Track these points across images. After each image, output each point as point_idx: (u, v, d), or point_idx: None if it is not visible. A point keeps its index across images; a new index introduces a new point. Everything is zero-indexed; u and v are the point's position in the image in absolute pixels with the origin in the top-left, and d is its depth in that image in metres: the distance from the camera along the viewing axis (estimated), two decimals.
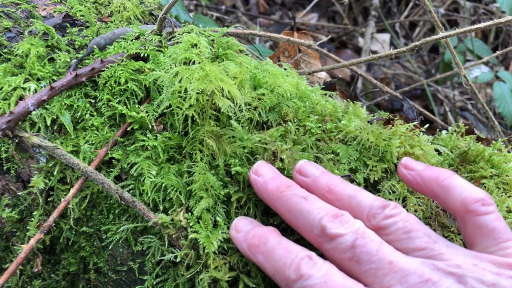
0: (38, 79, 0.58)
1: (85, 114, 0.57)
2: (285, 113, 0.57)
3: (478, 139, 0.66)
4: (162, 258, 0.52)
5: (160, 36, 0.62)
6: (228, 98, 0.54)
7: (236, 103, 0.54)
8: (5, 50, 0.61)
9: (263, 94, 0.57)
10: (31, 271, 0.58)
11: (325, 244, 0.40)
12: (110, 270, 0.56)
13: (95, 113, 0.57)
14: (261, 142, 0.53)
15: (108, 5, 0.72)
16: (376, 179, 0.54)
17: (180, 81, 0.54)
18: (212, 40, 0.61)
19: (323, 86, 0.70)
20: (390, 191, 0.54)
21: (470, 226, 0.42)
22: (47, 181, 0.55)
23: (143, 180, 0.53)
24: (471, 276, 0.36)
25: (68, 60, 0.60)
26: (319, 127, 0.56)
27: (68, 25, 0.66)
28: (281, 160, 0.52)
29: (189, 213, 0.51)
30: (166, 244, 0.51)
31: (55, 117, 0.56)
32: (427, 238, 0.40)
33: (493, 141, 0.61)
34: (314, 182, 0.47)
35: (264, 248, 0.43)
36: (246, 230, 0.46)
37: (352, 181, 0.53)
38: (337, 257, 0.40)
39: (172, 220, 0.51)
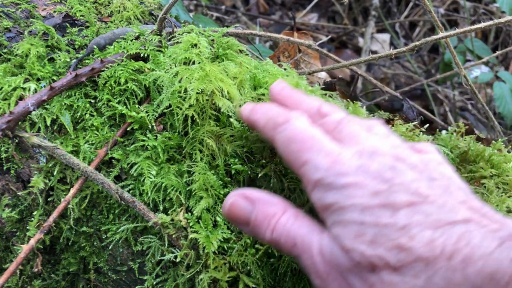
0: (38, 79, 0.58)
1: (85, 114, 0.57)
2: None
3: (478, 139, 0.66)
4: (162, 258, 0.52)
5: (160, 36, 0.63)
6: (227, 99, 0.54)
7: (235, 104, 0.54)
8: (5, 50, 0.61)
9: (263, 94, 0.57)
10: (31, 271, 0.58)
11: (317, 121, 0.45)
12: (110, 270, 0.56)
13: (95, 113, 0.57)
14: (260, 140, 0.53)
15: (108, 5, 0.72)
16: None
17: (180, 81, 0.54)
18: (212, 40, 0.61)
19: (323, 86, 0.70)
20: None
21: None
22: (47, 181, 0.55)
23: (143, 180, 0.53)
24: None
25: (68, 60, 0.60)
26: None
27: (68, 25, 0.66)
28: (280, 157, 0.52)
29: (189, 213, 0.52)
30: (166, 244, 0.51)
31: (55, 117, 0.56)
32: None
33: (493, 141, 0.61)
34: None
35: (264, 109, 0.48)
36: (253, 105, 0.51)
37: None
38: (323, 128, 0.44)
39: (172, 220, 0.51)
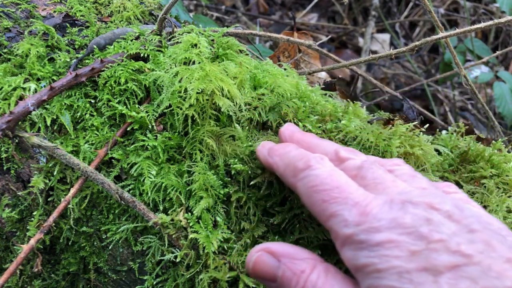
0: (38, 79, 0.58)
1: (85, 114, 0.57)
2: (285, 113, 0.57)
3: (478, 139, 0.66)
4: (162, 258, 0.52)
5: (160, 36, 0.62)
6: (228, 98, 0.54)
7: (236, 103, 0.54)
8: (5, 50, 0.61)
9: (263, 94, 0.57)
10: (31, 271, 0.58)
11: (337, 167, 0.43)
12: (110, 270, 0.56)
13: (95, 113, 0.57)
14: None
15: (108, 5, 0.72)
16: None
17: (180, 81, 0.54)
18: (212, 40, 0.61)
19: (323, 86, 0.70)
20: None
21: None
22: (47, 181, 0.55)
23: (143, 180, 0.53)
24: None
25: (68, 60, 0.60)
26: (319, 127, 0.56)
27: (68, 25, 0.66)
28: None
29: (189, 213, 0.51)
30: (166, 244, 0.51)
31: (55, 117, 0.56)
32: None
33: (493, 141, 0.61)
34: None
35: (283, 151, 0.47)
36: (271, 145, 0.50)
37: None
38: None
39: (172, 220, 0.51)
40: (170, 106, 0.55)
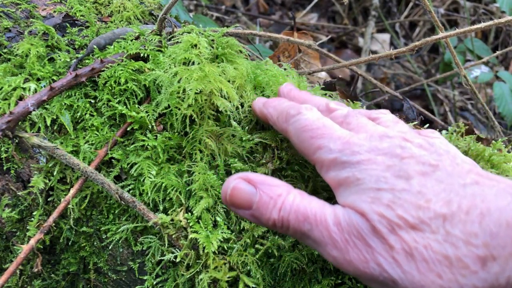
0: (38, 79, 0.58)
1: (85, 114, 0.57)
2: None
3: (478, 139, 0.66)
4: (162, 258, 0.52)
5: (160, 36, 0.63)
6: (226, 99, 0.54)
7: (234, 105, 0.54)
8: (5, 50, 0.61)
9: (263, 94, 0.57)
10: (31, 271, 0.58)
11: (326, 116, 0.47)
12: (110, 270, 0.56)
13: (95, 113, 0.57)
14: (261, 143, 0.53)
15: (108, 5, 0.72)
16: None
17: (179, 81, 0.54)
18: (212, 40, 0.61)
19: (323, 86, 0.70)
20: None
21: None
22: (47, 181, 0.55)
23: (143, 180, 0.53)
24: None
25: (68, 60, 0.60)
26: None
27: (68, 25, 0.66)
28: (280, 158, 0.52)
29: (189, 213, 0.52)
30: (166, 244, 0.51)
31: (55, 117, 0.56)
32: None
33: (493, 141, 0.61)
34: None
35: (277, 102, 0.52)
36: (266, 99, 0.55)
37: None
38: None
39: (172, 220, 0.51)
40: (169, 106, 0.55)
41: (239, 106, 0.55)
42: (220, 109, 0.54)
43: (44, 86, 0.58)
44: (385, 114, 0.48)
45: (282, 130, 0.49)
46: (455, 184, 0.37)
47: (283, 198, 0.42)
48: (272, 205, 0.42)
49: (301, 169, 0.53)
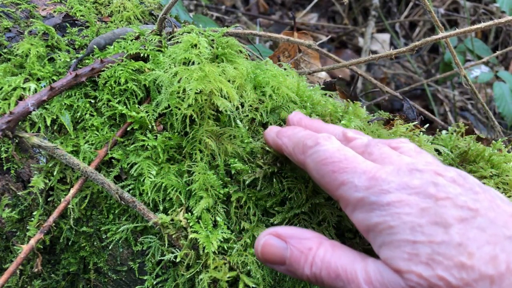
0: (38, 79, 0.58)
1: (85, 114, 0.57)
2: (285, 115, 0.57)
3: (478, 139, 0.66)
4: (162, 258, 0.52)
5: (160, 36, 0.62)
6: (226, 99, 0.54)
7: (234, 105, 0.54)
8: (5, 50, 0.61)
9: (263, 95, 0.57)
10: (31, 271, 0.58)
11: (345, 146, 0.45)
12: (110, 270, 0.56)
13: (95, 113, 0.57)
14: (263, 149, 0.53)
15: (108, 5, 0.72)
16: None
17: (179, 81, 0.54)
18: (212, 40, 0.61)
19: (323, 86, 0.70)
20: None
21: None
22: (47, 181, 0.55)
23: (143, 180, 0.53)
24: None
25: (68, 60, 0.60)
26: None
27: (68, 25, 0.66)
28: (281, 162, 0.52)
29: (189, 213, 0.52)
30: (166, 244, 0.51)
31: (55, 117, 0.56)
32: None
33: (493, 141, 0.61)
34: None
35: (291, 132, 0.48)
36: (279, 129, 0.52)
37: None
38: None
39: (172, 220, 0.51)
40: (169, 106, 0.55)
41: (239, 106, 0.55)
42: (220, 109, 0.54)
43: (44, 86, 0.58)
44: (405, 143, 0.45)
45: (299, 162, 0.45)
46: (500, 236, 0.33)
47: (314, 253, 0.40)
48: (303, 261, 0.40)
49: (301, 169, 0.52)
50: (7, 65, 0.59)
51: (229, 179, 0.53)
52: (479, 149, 0.58)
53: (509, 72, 1.50)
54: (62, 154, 0.53)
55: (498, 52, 1.21)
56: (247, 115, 0.56)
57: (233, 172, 0.53)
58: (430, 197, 0.35)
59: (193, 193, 0.52)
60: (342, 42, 2.09)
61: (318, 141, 0.43)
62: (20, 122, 0.54)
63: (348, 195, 0.39)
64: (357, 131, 0.49)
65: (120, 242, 0.55)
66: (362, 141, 0.45)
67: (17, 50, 0.59)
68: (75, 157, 0.54)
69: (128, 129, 0.56)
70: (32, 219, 0.56)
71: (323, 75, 1.06)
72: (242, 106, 0.56)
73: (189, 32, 0.61)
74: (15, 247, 0.58)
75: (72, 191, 0.53)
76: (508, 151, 0.60)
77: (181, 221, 0.51)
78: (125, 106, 0.56)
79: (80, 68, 0.58)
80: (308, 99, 0.59)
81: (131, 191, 0.54)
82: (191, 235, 0.50)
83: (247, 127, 0.56)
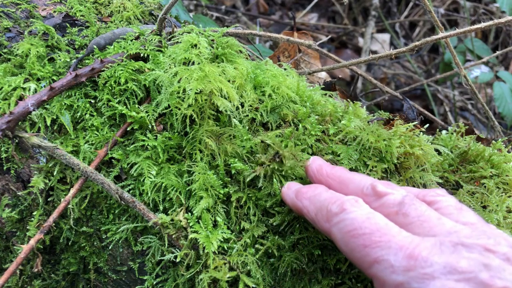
0: (38, 79, 0.58)
1: (85, 114, 0.57)
2: (285, 114, 0.57)
3: (478, 139, 0.66)
4: (162, 258, 0.52)
5: (160, 36, 0.62)
6: (226, 99, 0.54)
7: (234, 105, 0.54)
8: (5, 50, 0.61)
9: (263, 95, 0.57)
10: (31, 271, 0.58)
11: (373, 203, 0.40)
12: (110, 270, 0.56)
13: (95, 113, 0.57)
14: (263, 143, 0.53)
15: (108, 5, 0.72)
16: (376, 179, 0.54)
17: (179, 81, 0.54)
18: (212, 40, 0.61)
19: (323, 86, 0.70)
20: None
21: None
22: (47, 181, 0.55)
23: (143, 180, 0.53)
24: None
25: (68, 60, 0.60)
26: (319, 128, 0.56)
27: (68, 25, 0.66)
28: (281, 160, 0.52)
29: (189, 213, 0.51)
30: (166, 244, 0.51)
31: (55, 117, 0.56)
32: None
33: (493, 141, 0.61)
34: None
35: (312, 193, 0.44)
36: (297, 187, 0.47)
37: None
38: (383, 211, 0.39)
39: (172, 220, 0.51)
40: (169, 106, 0.55)
41: (239, 106, 0.55)
42: (220, 109, 0.54)
43: (44, 86, 0.58)
44: (443, 197, 0.40)
45: (324, 231, 0.41)
46: None
47: None
48: None
49: (301, 170, 0.52)
50: (7, 65, 0.59)
51: (229, 179, 0.53)
52: (479, 149, 0.58)
53: (509, 72, 1.50)
54: (62, 154, 0.53)
55: (498, 52, 1.21)
56: (247, 115, 0.56)
57: (233, 172, 0.53)
58: (481, 284, 0.30)
59: (193, 193, 0.52)
60: (342, 42, 2.09)
61: (345, 207, 0.39)
62: (20, 122, 0.54)
63: (384, 276, 0.34)
64: (388, 182, 0.43)
65: (120, 242, 0.55)
66: (395, 197, 0.40)
67: (17, 50, 0.59)
68: (75, 157, 0.54)
69: (128, 129, 0.56)
70: (32, 219, 0.56)
71: (323, 75, 1.06)
72: (242, 106, 0.56)
73: (189, 32, 0.61)
74: (15, 247, 0.58)
75: (72, 191, 0.53)
76: (508, 151, 0.60)
77: (181, 221, 0.51)
78: (125, 106, 0.56)
79: (80, 68, 0.58)
80: (308, 99, 0.59)
81: (131, 191, 0.54)
82: (191, 235, 0.50)
83: (247, 127, 0.56)
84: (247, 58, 0.65)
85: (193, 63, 0.56)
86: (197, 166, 0.53)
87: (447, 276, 0.31)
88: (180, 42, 0.59)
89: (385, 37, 2.04)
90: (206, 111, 0.54)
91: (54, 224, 0.54)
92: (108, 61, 0.58)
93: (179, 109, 0.53)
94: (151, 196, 0.53)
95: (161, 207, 0.53)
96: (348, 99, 0.64)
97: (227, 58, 0.60)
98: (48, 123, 0.56)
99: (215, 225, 0.51)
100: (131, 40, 0.62)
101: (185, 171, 0.54)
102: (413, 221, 0.37)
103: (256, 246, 0.51)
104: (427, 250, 0.33)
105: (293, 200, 0.46)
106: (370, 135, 0.55)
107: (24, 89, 0.57)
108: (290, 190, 0.47)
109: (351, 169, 0.54)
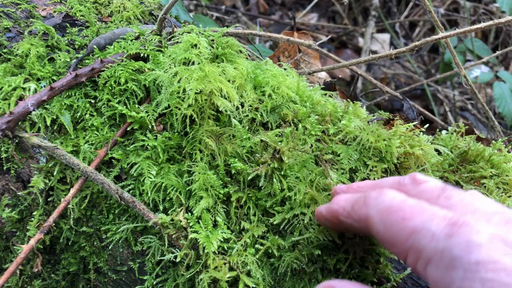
0: (38, 79, 0.58)
1: (85, 114, 0.57)
2: (285, 114, 0.57)
3: (478, 139, 0.66)
4: (162, 258, 0.52)
5: (160, 36, 0.62)
6: (226, 99, 0.54)
7: (234, 105, 0.54)
8: (5, 50, 0.61)
9: (263, 95, 0.57)
10: (31, 271, 0.58)
11: (411, 190, 0.39)
12: (110, 270, 0.56)
13: (95, 113, 0.57)
14: (262, 142, 0.53)
15: (108, 5, 0.72)
16: (376, 179, 0.54)
17: (179, 81, 0.54)
18: (212, 40, 0.61)
19: (323, 86, 0.70)
20: None
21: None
22: (47, 181, 0.55)
23: (143, 180, 0.53)
24: None
25: (68, 60, 0.60)
26: (319, 128, 0.56)
27: (68, 25, 0.66)
28: (281, 159, 0.52)
29: (189, 213, 0.51)
30: (166, 244, 0.51)
31: (55, 117, 0.56)
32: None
33: (493, 141, 0.61)
34: None
35: (347, 196, 0.43)
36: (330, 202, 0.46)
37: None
38: (423, 197, 0.37)
39: (172, 220, 0.51)
40: (169, 106, 0.55)
41: (239, 106, 0.55)
42: (220, 109, 0.54)
43: (44, 86, 0.58)
44: (479, 196, 0.37)
45: (361, 217, 0.39)
46: None
47: None
48: None
49: (301, 170, 0.52)
50: (7, 65, 0.59)
51: (229, 179, 0.53)
52: (479, 149, 0.58)
53: (509, 72, 1.50)
54: (62, 154, 0.53)
55: (498, 52, 1.21)
56: (247, 115, 0.56)
57: (233, 172, 0.53)
58: None
59: (193, 193, 0.52)
60: (342, 42, 2.09)
61: (383, 191, 0.37)
62: (20, 122, 0.54)
63: (422, 245, 0.31)
64: (424, 175, 0.41)
65: (120, 242, 0.55)
66: (435, 183, 0.38)
67: (17, 50, 0.59)
68: (75, 157, 0.54)
69: (128, 129, 0.56)
70: (32, 219, 0.56)
71: (323, 75, 1.06)
72: (242, 106, 0.56)
73: (189, 32, 0.61)
74: (15, 247, 0.58)
75: (72, 191, 0.53)
76: (508, 151, 0.60)
77: (181, 221, 0.51)
78: (125, 106, 0.56)
79: (80, 68, 0.58)
80: (308, 99, 0.59)
81: (131, 191, 0.54)
82: (191, 235, 0.50)
83: (247, 127, 0.56)
84: (247, 58, 0.65)
85: (193, 63, 0.56)
86: (197, 166, 0.53)
87: (495, 245, 0.28)
88: (180, 42, 0.59)
89: (385, 37, 2.04)
90: (206, 111, 0.54)
91: (54, 224, 0.54)
92: (108, 61, 0.58)
93: (179, 109, 0.53)
94: (151, 196, 0.53)
95: (161, 207, 0.53)
96: (348, 99, 0.64)
97: (227, 58, 0.60)
98: (48, 123, 0.56)
99: (215, 225, 0.51)
100: (131, 40, 0.62)
101: (185, 171, 0.54)
102: (456, 203, 0.35)
103: (256, 246, 0.51)
104: (474, 219, 0.30)
105: (328, 208, 0.44)
106: (370, 135, 0.55)
107: (24, 89, 0.57)
108: (322, 207, 0.46)
109: (351, 169, 0.54)
